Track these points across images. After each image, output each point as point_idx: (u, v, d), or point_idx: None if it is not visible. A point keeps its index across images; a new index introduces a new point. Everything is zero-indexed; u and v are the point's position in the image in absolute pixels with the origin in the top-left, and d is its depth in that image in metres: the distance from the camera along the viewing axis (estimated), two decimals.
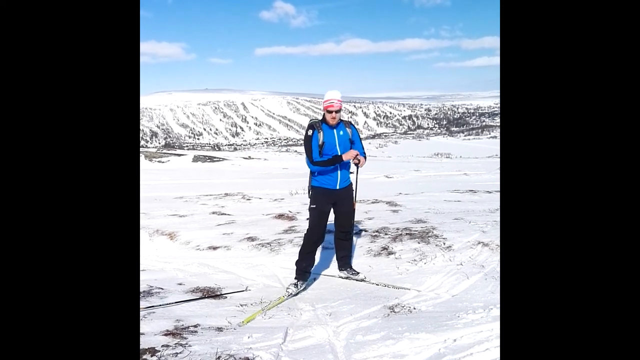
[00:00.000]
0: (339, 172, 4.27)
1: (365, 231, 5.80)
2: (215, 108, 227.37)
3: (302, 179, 17.28)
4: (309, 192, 4.37)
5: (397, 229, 5.77)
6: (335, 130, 4.23)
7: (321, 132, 4.17)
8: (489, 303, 3.37)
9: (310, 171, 4.32)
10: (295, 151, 43.85)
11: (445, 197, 10.10)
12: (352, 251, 4.56)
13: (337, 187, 4.26)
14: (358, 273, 4.43)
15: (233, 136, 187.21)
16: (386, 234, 5.52)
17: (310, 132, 4.19)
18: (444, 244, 4.93)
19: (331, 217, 4.33)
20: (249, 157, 33.38)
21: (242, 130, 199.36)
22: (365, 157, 4.35)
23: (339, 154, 4.20)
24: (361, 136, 4.57)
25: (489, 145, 54.94)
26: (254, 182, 17.36)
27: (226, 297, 4.06)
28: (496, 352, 2.52)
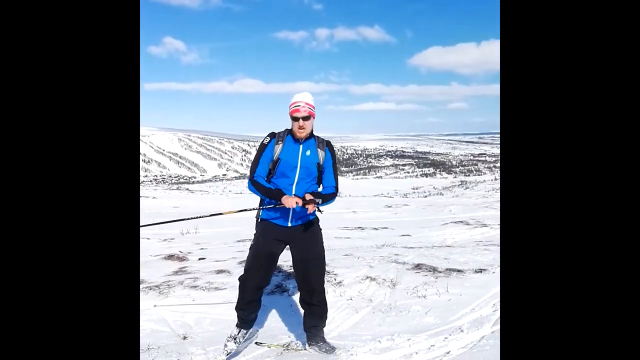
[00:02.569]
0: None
1: None
2: None
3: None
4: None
5: (290, 266, 5.84)
6: (301, 147, 3.14)
7: (280, 144, 3.12)
8: (377, 335, 3.55)
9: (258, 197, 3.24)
10: (187, 189, 42.41)
11: (335, 233, 10.44)
12: (324, 319, 3.40)
13: (289, 224, 3.17)
14: (334, 349, 3.28)
15: None
16: (280, 271, 5.57)
17: (267, 140, 3.18)
18: (335, 279, 5.10)
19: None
20: None
21: None
22: (329, 198, 3.18)
23: (295, 180, 3.12)
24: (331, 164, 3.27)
25: (375, 185, 58.02)
26: (141, 221, 16.41)
27: None
28: None
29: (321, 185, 3.31)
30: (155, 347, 3.68)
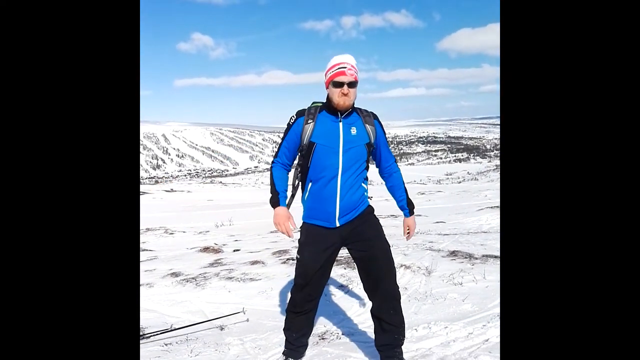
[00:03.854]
0: (337, 194, 2.43)
1: (293, 260, 5.82)
2: None
3: (228, 211, 16.99)
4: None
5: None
6: (341, 124, 2.41)
7: (311, 123, 2.40)
8: (414, 323, 3.50)
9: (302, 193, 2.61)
10: (220, 182, 43.09)
11: None
12: (401, 336, 2.67)
13: (337, 224, 2.49)
14: None
15: (154, 169, 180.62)
16: None
17: (292, 120, 2.47)
18: None
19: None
20: (172, 189, 32.32)
21: (164, 162, 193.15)
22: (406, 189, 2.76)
23: (339, 171, 2.41)
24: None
25: (407, 172, 57.46)
26: (177, 215, 16.80)
27: (149, 337, 3.87)
28: None
29: (371, 168, 2.69)
30: (194, 338, 3.75)
